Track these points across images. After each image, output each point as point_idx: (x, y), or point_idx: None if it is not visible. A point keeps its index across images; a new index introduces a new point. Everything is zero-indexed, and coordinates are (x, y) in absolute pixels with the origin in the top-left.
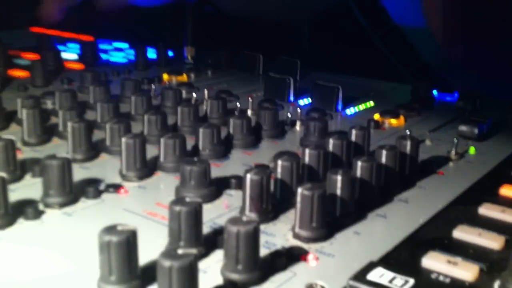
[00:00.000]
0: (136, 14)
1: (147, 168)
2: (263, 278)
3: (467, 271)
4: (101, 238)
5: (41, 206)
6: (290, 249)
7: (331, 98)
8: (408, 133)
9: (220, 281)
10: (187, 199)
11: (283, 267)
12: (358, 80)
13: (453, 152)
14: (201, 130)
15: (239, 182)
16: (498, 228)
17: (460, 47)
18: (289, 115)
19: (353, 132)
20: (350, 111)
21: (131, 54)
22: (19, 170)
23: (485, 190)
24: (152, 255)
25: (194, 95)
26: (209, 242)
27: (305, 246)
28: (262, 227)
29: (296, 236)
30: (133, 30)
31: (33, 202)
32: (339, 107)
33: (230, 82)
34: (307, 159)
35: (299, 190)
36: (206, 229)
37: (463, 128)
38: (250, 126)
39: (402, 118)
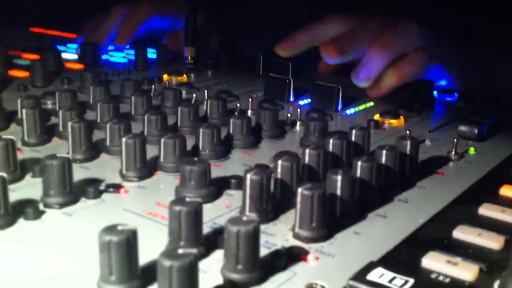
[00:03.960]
0: None
1: (147, 168)
2: (263, 278)
3: (467, 271)
4: (101, 238)
5: (41, 206)
6: (290, 249)
7: (331, 98)
8: (408, 133)
9: (220, 281)
10: (187, 199)
11: (283, 267)
12: None
13: (453, 152)
14: (201, 130)
15: (239, 182)
16: (498, 228)
17: None
18: (289, 115)
19: (353, 132)
20: (350, 111)
21: (131, 54)
22: (19, 170)
23: (485, 190)
24: (152, 255)
25: (194, 95)
26: (209, 242)
27: (305, 246)
28: (262, 227)
29: (296, 236)
30: None
31: (33, 202)
32: (339, 107)
33: (230, 82)
34: (307, 159)
35: (299, 190)
36: (206, 229)
37: (463, 128)
38: (250, 126)
39: (402, 118)
